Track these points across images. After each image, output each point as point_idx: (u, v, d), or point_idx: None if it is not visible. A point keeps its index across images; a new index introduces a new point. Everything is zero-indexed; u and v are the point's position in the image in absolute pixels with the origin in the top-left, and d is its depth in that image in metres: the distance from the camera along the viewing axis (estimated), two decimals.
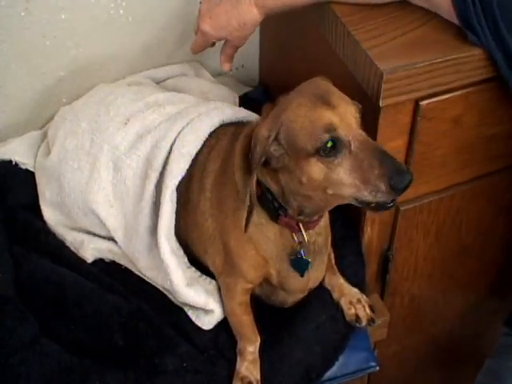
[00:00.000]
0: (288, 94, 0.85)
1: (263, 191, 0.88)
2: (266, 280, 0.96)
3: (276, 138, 0.81)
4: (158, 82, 1.26)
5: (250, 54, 1.37)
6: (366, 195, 0.79)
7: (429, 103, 0.95)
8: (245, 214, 0.85)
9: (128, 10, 1.19)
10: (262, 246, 0.91)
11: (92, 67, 1.23)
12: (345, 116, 0.79)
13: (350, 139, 0.78)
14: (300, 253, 0.91)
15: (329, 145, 0.78)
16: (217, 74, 1.35)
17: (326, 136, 0.77)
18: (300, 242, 0.91)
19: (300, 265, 0.93)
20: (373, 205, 0.80)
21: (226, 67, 1.12)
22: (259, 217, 0.89)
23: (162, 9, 1.23)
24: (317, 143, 0.78)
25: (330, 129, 0.77)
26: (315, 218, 0.90)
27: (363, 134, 0.79)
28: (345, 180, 0.79)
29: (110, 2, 1.17)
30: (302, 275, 0.93)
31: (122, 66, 1.25)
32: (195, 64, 1.31)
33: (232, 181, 0.90)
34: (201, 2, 1.03)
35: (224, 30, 1.02)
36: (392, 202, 0.80)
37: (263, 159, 0.82)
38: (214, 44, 1.11)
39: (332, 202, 0.86)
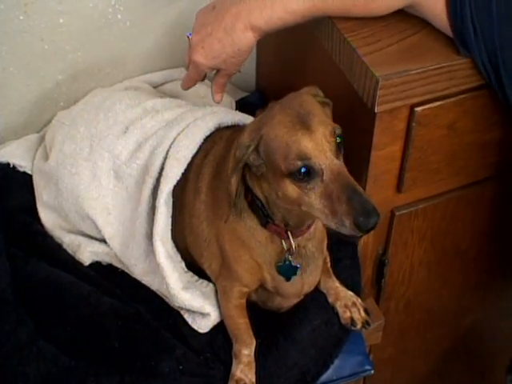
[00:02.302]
0: (277, 101, 0.85)
1: (253, 197, 0.89)
2: (262, 285, 0.96)
3: (256, 149, 0.82)
4: (156, 87, 1.27)
5: (247, 59, 1.38)
6: (332, 225, 0.80)
7: (423, 109, 0.96)
8: (230, 212, 0.88)
9: (126, 14, 1.20)
10: (254, 250, 0.92)
11: (90, 71, 1.24)
12: (321, 143, 0.79)
13: (323, 168, 0.78)
14: (288, 259, 0.92)
15: (302, 171, 0.78)
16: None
17: (299, 163, 0.78)
18: (288, 249, 0.91)
19: (287, 270, 0.93)
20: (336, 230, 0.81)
21: (218, 98, 1.06)
22: (251, 221, 0.90)
23: (160, 13, 1.24)
24: (290, 167, 0.78)
25: (304, 158, 0.78)
26: (303, 228, 0.91)
27: (337, 163, 0.79)
28: (315, 205, 0.80)
29: (108, 6, 1.18)
30: (287, 280, 0.94)
31: (119, 70, 1.26)
32: None
33: (224, 180, 0.90)
34: (189, 37, 1.00)
35: (218, 58, 0.98)
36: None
37: (241, 165, 0.83)
38: (204, 77, 1.07)
39: (310, 216, 0.86)
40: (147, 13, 1.22)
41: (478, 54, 0.90)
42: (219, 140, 0.99)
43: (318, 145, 0.78)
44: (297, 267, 0.93)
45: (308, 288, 0.98)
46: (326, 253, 1.01)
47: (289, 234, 0.90)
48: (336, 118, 0.84)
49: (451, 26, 0.91)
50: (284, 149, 0.79)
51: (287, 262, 0.92)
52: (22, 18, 1.13)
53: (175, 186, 0.97)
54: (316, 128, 0.79)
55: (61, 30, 1.17)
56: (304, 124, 0.79)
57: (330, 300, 1.01)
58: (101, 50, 1.23)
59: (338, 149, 0.80)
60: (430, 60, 0.92)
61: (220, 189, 0.93)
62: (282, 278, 0.94)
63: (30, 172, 1.15)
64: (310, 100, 0.84)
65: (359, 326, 1.00)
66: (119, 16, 1.20)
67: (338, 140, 0.80)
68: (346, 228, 0.78)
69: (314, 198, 0.79)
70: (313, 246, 0.94)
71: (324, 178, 0.78)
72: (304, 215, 0.87)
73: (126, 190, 1.02)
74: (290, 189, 0.80)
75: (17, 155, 1.17)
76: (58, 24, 1.16)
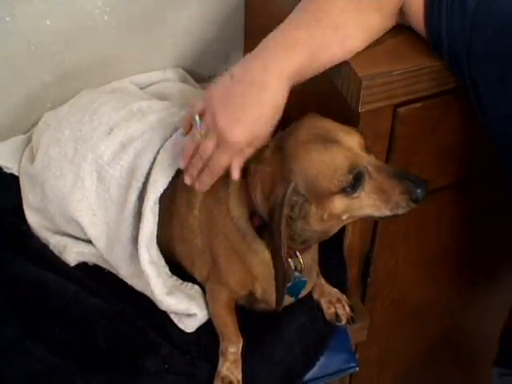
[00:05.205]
0: (280, 138, 0.85)
1: (262, 224, 0.88)
2: (251, 293, 0.97)
3: (294, 190, 0.81)
4: (142, 88, 1.27)
5: (234, 60, 1.39)
6: (386, 212, 0.82)
7: (407, 109, 0.97)
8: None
9: (112, 15, 1.20)
10: (255, 267, 0.92)
11: (77, 72, 1.24)
12: (354, 148, 0.81)
13: (367, 167, 0.81)
14: (297, 276, 0.93)
15: (353, 181, 0.80)
16: (200, 80, 1.37)
17: (350, 177, 0.80)
18: (295, 267, 0.92)
19: (297, 288, 0.94)
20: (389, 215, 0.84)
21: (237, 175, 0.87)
22: (256, 245, 0.90)
23: (147, 15, 1.24)
24: (342, 184, 0.80)
25: (352, 170, 0.80)
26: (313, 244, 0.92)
27: (372, 157, 0.83)
28: (365, 203, 0.82)
29: (95, 7, 1.18)
30: (296, 296, 0.95)
31: (106, 72, 1.26)
32: (179, 70, 1.32)
33: (222, 201, 0.91)
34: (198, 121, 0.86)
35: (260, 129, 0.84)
36: None
37: (285, 214, 0.81)
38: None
39: (340, 226, 0.88)
40: (134, 14, 1.23)
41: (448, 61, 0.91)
42: None
43: (354, 151, 0.81)
44: (305, 281, 0.94)
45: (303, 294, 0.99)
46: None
47: (297, 253, 0.91)
48: None
49: (426, 31, 0.92)
50: (326, 172, 0.80)
51: (296, 280, 0.93)
52: (8, 19, 1.13)
53: (162, 193, 0.97)
54: (342, 137, 0.81)
55: (47, 32, 1.17)
56: (330, 139, 0.81)
57: (315, 297, 1.02)
58: (87, 52, 1.23)
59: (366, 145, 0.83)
60: (413, 60, 0.93)
61: (215, 206, 0.92)
62: (272, 291, 0.93)
63: (16, 173, 1.15)
64: (319, 118, 0.85)
65: (344, 321, 1.01)
66: (106, 17, 1.20)
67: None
68: (403, 208, 0.82)
69: (364, 198, 0.82)
70: (310, 258, 0.95)
71: (371, 174, 0.81)
72: (335, 227, 0.87)
73: (108, 192, 1.02)
74: (340, 203, 0.82)
75: (3, 156, 1.17)
76: (44, 25, 1.16)
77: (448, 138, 1.06)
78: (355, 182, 0.80)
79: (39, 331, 0.96)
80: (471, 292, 1.43)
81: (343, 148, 0.80)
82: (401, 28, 0.97)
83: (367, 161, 0.81)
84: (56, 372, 0.91)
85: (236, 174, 0.86)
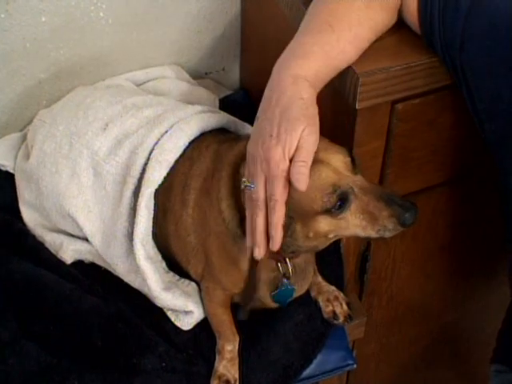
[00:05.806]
0: None
1: None
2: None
3: None
4: (138, 85, 1.26)
5: (230, 57, 1.39)
6: (372, 233, 0.81)
7: (404, 106, 0.97)
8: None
9: (108, 12, 1.20)
10: (245, 269, 0.92)
11: (72, 69, 1.23)
12: (339, 168, 0.80)
13: (352, 186, 0.80)
14: (284, 283, 0.93)
15: (338, 202, 0.79)
16: (197, 77, 1.36)
17: (334, 198, 0.79)
18: (284, 273, 0.92)
19: (284, 296, 0.94)
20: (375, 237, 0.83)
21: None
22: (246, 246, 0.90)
23: (143, 11, 1.24)
24: (326, 205, 0.79)
25: (336, 190, 0.79)
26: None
27: (359, 177, 0.81)
28: (351, 223, 0.81)
29: (90, 4, 1.18)
30: (283, 305, 0.94)
31: (102, 69, 1.26)
32: (175, 67, 1.32)
33: (214, 202, 0.91)
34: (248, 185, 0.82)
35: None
36: None
37: None
38: None
39: (328, 243, 0.87)
40: (129, 11, 1.22)
41: (442, 58, 0.91)
42: (205, 150, 0.97)
43: (339, 171, 0.80)
44: (293, 289, 0.94)
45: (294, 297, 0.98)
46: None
47: (287, 259, 0.90)
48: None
49: (420, 28, 0.92)
50: (311, 192, 0.78)
51: (283, 288, 0.93)
52: (3, 16, 1.12)
53: (157, 189, 0.97)
54: (327, 157, 0.80)
55: (43, 29, 1.16)
56: (317, 160, 0.79)
57: (313, 294, 1.02)
58: (83, 48, 1.23)
59: (353, 164, 0.82)
60: (411, 57, 0.93)
61: (208, 206, 0.92)
62: (265, 294, 0.94)
63: (12, 171, 1.15)
64: None
65: (341, 319, 1.00)
66: (101, 14, 1.20)
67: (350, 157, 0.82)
68: (390, 231, 0.80)
69: (350, 218, 0.80)
70: (302, 260, 0.94)
71: (356, 193, 0.80)
72: (322, 244, 0.87)
73: (104, 188, 1.02)
74: (325, 223, 0.81)
75: None
76: (39, 22, 1.15)
77: (446, 134, 1.06)
78: (340, 202, 0.79)
79: (34, 330, 0.95)
80: (468, 289, 1.43)
81: (328, 168, 0.80)
82: (398, 25, 0.97)
83: (353, 181, 0.80)
84: (51, 371, 0.91)
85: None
